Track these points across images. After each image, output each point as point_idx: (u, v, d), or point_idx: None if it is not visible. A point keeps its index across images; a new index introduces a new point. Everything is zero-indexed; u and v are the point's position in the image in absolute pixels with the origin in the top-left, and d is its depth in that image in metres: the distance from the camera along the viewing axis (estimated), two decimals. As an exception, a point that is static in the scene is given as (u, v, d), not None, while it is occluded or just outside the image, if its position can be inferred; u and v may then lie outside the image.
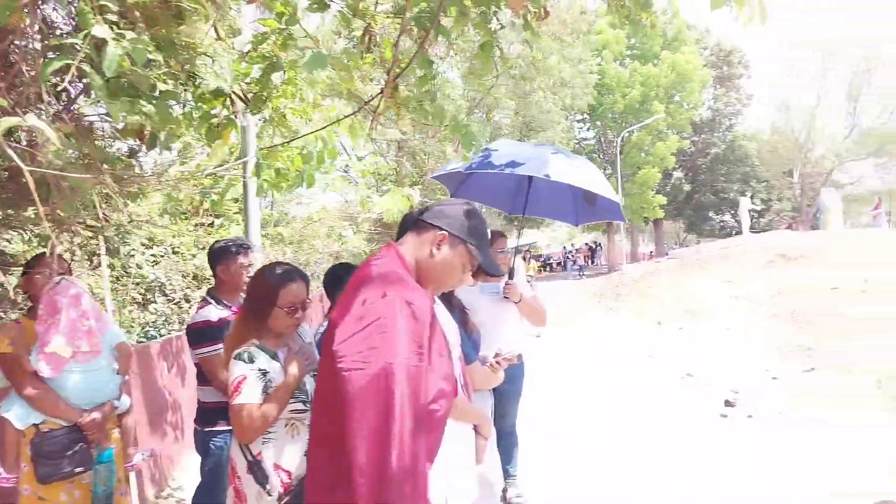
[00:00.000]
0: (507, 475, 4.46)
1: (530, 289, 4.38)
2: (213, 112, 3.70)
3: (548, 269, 45.20)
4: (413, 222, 1.99)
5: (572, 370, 9.31)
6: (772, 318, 11.25)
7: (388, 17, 3.22)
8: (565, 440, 5.87)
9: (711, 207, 41.92)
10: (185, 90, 3.83)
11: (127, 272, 7.73)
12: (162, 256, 8.18)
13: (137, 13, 3.04)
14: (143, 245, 8.12)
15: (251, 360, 2.31)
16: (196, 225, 9.57)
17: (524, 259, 19.56)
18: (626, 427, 6.21)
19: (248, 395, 2.24)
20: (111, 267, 7.84)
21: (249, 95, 3.62)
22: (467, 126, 3.31)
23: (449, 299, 2.82)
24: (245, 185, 4.73)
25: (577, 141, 36.20)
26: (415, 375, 1.60)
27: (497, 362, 2.87)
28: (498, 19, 3.21)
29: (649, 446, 5.58)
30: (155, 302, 7.53)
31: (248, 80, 3.65)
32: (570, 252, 39.88)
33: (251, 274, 3.64)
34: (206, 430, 3.30)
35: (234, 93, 3.66)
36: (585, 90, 25.57)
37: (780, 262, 15.16)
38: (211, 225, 9.72)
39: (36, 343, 2.79)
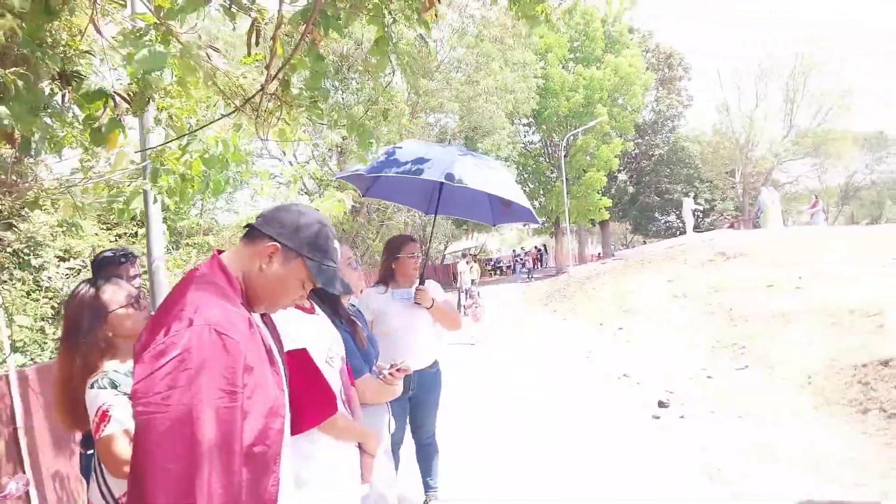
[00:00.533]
0: (427, 487, 4.30)
1: (443, 293, 4.22)
2: (96, 114, 3.46)
3: (498, 272, 45.42)
4: (246, 229, 1.73)
5: (511, 374, 9.21)
6: (708, 316, 11.35)
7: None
8: (494, 446, 5.74)
9: (656, 208, 42.72)
10: (63, 91, 3.58)
11: (38, 286, 7.33)
12: (81, 269, 7.78)
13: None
14: (58, 257, 7.73)
15: (114, 386, 2.09)
16: (118, 235, 9.17)
17: (470, 263, 19.76)
18: (555, 430, 6.12)
19: (119, 423, 2.01)
20: (21, 280, 7.43)
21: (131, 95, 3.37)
22: (363, 125, 3.13)
23: (336, 310, 2.64)
24: (145, 193, 4.46)
25: (523, 145, 36.41)
26: (225, 418, 1.40)
27: (390, 374, 2.70)
28: (391, 13, 3.06)
29: (577, 450, 5.49)
30: (69, 316, 7.12)
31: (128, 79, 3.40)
32: (519, 255, 40.03)
33: (136, 285, 3.40)
34: (89, 453, 3.06)
35: (116, 93, 3.42)
36: (529, 94, 25.68)
37: (720, 260, 15.41)
38: (135, 235, 9.32)
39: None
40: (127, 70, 3.36)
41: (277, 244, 1.66)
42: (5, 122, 2.90)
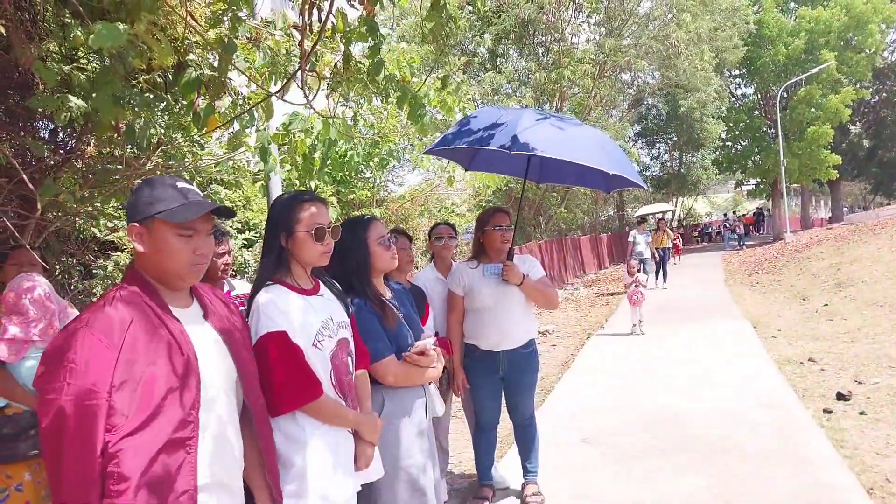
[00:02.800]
0: (525, 471, 4.15)
1: (541, 269, 3.98)
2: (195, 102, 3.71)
3: (706, 239, 42.38)
4: None
5: (678, 349, 8.55)
6: (936, 294, 9.63)
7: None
8: (629, 434, 5.39)
9: (901, 165, 36.92)
10: (167, 82, 3.88)
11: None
12: (255, 241, 8.58)
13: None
14: (237, 230, 8.54)
15: None
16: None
17: (658, 229, 17.70)
18: (701, 420, 5.56)
19: None
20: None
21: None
22: (415, 97, 3.00)
23: (363, 290, 2.60)
24: (268, 177, 4.72)
25: (734, 98, 33.31)
26: (84, 413, 1.48)
27: (418, 353, 2.60)
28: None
29: (714, 438, 4.95)
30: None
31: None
32: (728, 221, 36.93)
33: (225, 262, 3.61)
34: None
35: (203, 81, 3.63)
36: (732, 44, 23.29)
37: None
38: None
39: (-1, 330, 2.95)
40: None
41: (133, 224, 1.71)
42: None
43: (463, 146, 3.48)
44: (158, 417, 1.57)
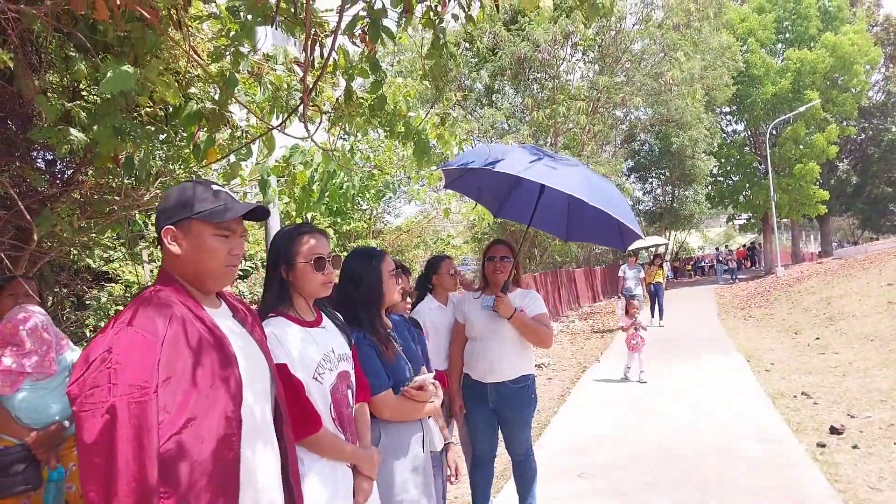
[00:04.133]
0: (523, 509, 4.10)
1: (542, 306, 3.97)
2: (195, 134, 3.74)
3: (698, 272, 42.54)
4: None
5: (673, 384, 8.53)
6: (926, 329, 9.68)
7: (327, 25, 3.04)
8: (624, 467, 5.35)
9: (889, 200, 37.29)
10: (168, 114, 3.91)
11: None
12: (251, 271, 8.57)
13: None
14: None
15: None
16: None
17: (652, 263, 17.46)
18: (694, 450, 5.53)
19: None
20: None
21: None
22: (419, 133, 3.04)
23: (371, 323, 2.61)
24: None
25: (725, 135, 33.76)
26: (137, 410, 1.46)
27: (416, 388, 2.60)
28: (438, 13, 2.93)
29: (709, 473, 4.92)
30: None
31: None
32: (721, 254, 37.13)
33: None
34: None
35: (204, 114, 3.66)
36: (722, 82, 23.69)
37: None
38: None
39: (-7, 362, 2.93)
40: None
41: (168, 226, 1.70)
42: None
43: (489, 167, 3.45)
44: (202, 415, 1.56)
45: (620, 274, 15.60)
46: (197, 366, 1.59)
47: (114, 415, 1.44)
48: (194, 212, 1.69)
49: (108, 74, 2.30)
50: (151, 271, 7.10)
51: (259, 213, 1.82)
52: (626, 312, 9.75)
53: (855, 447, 5.47)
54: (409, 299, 3.97)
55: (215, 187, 1.77)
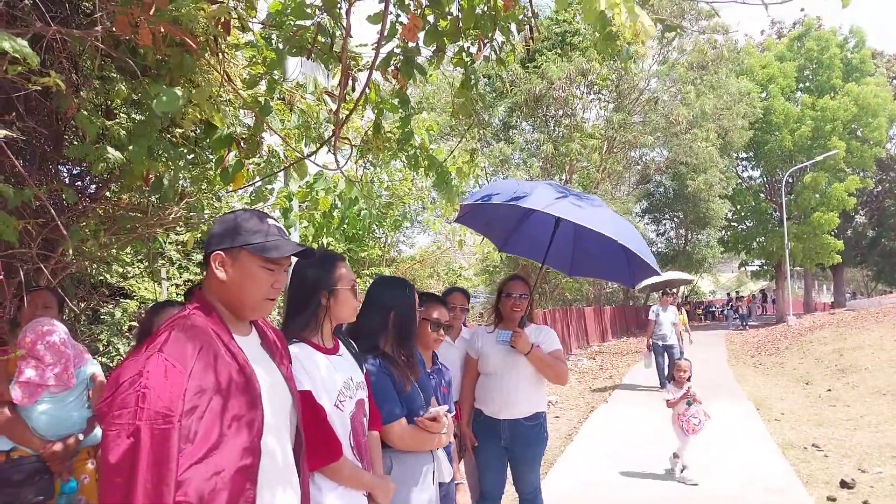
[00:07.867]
0: (532, 548, 4.05)
1: (557, 342, 3.97)
2: (225, 157, 3.83)
3: (709, 317, 42.22)
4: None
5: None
6: (941, 385, 9.56)
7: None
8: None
9: (903, 254, 37.13)
10: (196, 136, 4.01)
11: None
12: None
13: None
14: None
15: None
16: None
17: (677, 305, 13.77)
18: (705, 496, 5.47)
19: None
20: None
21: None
22: (444, 167, 3.11)
23: (400, 352, 2.63)
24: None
25: (741, 180, 33.80)
26: (160, 437, 1.48)
27: (430, 419, 2.61)
28: (470, 55, 3.01)
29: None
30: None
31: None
32: (732, 300, 36.88)
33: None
34: None
35: (236, 138, 3.75)
36: (738, 124, 23.75)
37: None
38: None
39: (15, 373, 2.97)
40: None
41: (218, 251, 1.73)
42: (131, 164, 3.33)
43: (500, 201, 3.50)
44: (223, 446, 1.58)
45: (651, 317, 11.81)
46: (221, 397, 1.62)
47: (138, 438, 1.47)
48: (247, 242, 1.73)
49: (161, 96, 2.38)
50: (168, 289, 7.16)
51: (307, 254, 1.88)
52: (672, 379, 6.74)
53: (865, 503, 5.39)
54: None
55: (270, 221, 1.81)
